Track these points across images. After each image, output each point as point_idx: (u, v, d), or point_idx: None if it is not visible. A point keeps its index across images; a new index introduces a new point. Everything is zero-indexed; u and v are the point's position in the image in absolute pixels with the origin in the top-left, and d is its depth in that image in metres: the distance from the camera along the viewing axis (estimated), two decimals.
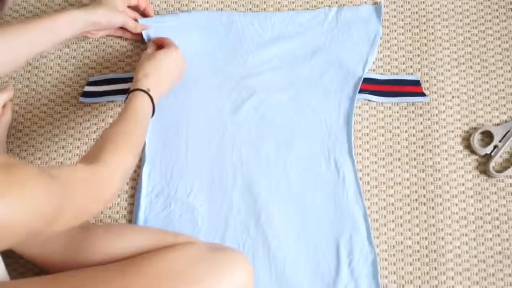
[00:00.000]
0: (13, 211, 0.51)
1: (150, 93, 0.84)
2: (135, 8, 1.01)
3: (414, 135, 0.96)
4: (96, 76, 1.01)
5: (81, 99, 0.99)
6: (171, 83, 0.92)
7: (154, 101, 0.85)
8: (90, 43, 1.04)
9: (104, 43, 1.04)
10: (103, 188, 0.69)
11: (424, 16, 1.04)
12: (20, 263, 0.87)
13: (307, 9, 1.05)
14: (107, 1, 0.94)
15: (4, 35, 0.80)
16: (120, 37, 1.03)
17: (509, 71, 1.00)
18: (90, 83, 1.01)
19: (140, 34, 1.02)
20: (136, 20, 1.01)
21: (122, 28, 1.01)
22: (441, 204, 0.92)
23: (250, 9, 1.05)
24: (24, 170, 0.54)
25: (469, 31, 1.03)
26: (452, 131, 0.97)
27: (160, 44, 0.96)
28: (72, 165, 0.67)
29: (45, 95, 1.01)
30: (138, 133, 0.80)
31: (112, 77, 1.01)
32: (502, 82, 0.99)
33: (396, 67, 1.01)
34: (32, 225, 0.53)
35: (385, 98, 0.98)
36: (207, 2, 1.06)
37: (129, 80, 0.99)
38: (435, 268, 0.89)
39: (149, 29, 1.02)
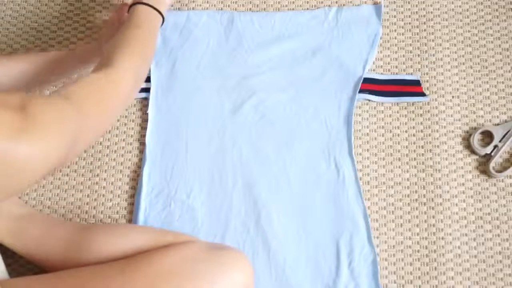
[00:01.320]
0: (33, 150, 0.51)
1: (153, 4, 0.82)
2: None
3: (414, 135, 0.96)
4: None
5: None
6: None
7: (161, 9, 0.83)
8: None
9: None
10: (117, 90, 0.68)
11: (424, 16, 1.04)
12: (20, 263, 0.87)
13: (307, 9, 1.05)
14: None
15: (17, 63, 0.83)
16: None
17: (509, 71, 1.00)
18: None
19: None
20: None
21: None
22: (441, 204, 0.92)
23: (250, 9, 1.05)
24: (39, 108, 0.54)
25: (469, 31, 1.03)
26: (452, 131, 0.97)
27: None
28: (84, 79, 0.65)
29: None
30: (147, 40, 0.79)
31: None
32: (502, 82, 0.99)
33: (396, 67, 1.01)
34: (53, 158, 0.54)
35: (385, 98, 0.98)
36: (207, 2, 1.06)
37: None
38: (435, 268, 0.89)
39: None
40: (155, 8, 0.83)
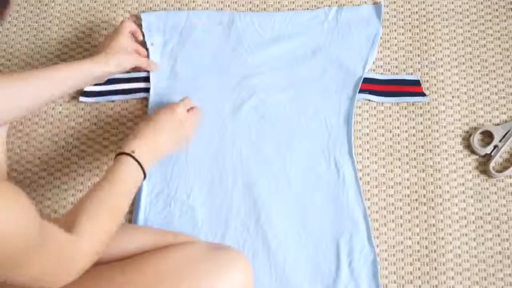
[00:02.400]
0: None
1: (136, 155, 0.78)
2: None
3: (414, 135, 0.96)
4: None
5: (81, 98, 0.99)
6: (169, 143, 0.86)
7: (144, 164, 0.78)
8: (89, 43, 1.04)
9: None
10: (74, 259, 0.65)
11: (424, 16, 1.04)
12: None
13: (307, 9, 1.05)
14: (117, 44, 0.91)
15: (7, 82, 0.78)
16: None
17: (509, 71, 1.00)
18: None
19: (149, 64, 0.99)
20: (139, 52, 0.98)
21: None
22: (441, 204, 0.92)
23: (250, 9, 1.05)
24: (20, 197, 0.53)
25: (469, 31, 1.03)
26: (452, 131, 0.97)
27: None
28: (53, 225, 0.63)
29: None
30: (121, 205, 0.75)
31: (112, 77, 1.00)
32: (502, 82, 0.99)
33: (396, 67, 1.01)
34: (8, 242, 0.51)
35: (385, 98, 0.98)
36: (207, 2, 1.06)
37: (130, 80, 0.99)
38: (435, 268, 0.89)
39: (152, 34, 1.02)
40: (140, 164, 0.78)
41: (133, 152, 0.78)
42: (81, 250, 0.66)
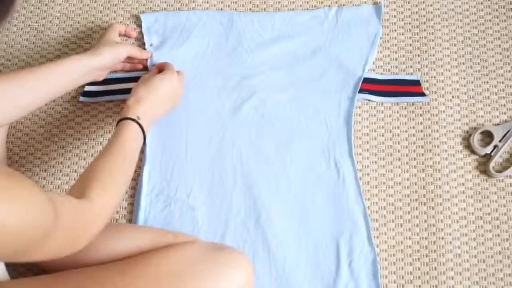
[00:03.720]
0: (8, 216, 0.50)
1: (140, 121, 0.82)
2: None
3: (414, 135, 0.96)
4: None
5: (81, 98, 0.99)
6: (165, 108, 0.90)
7: (145, 128, 0.82)
8: (90, 43, 1.04)
9: None
10: (89, 225, 0.67)
11: (424, 16, 1.04)
12: (20, 263, 0.87)
13: (307, 9, 1.05)
14: (106, 39, 0.94)
15: (2, 83, 0.78)
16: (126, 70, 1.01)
17: (509, 71, 1.00)
18: (91, 83, 1.00)
19: (145, 62, 1.00)
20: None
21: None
22: (441, 204, 0.92)
23: (250, 9, 1.05)
24: (24, 181, 0.54)
25: (469, 31, 1.03)
26: (452, 131, 0.97)
27: (161, 69, 0.93)
28: (63, 195, 0.65)
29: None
30: (126, 168, 0.78)
31: (112, 77, 1.01)
32: (502, 82, 0.99)
33: (396, 67, 1.01)
34: (23, 236, 0.53)
35: (385, 98, 0.98)
36: (207, 2, 1.06)
37: (130, 80, 0.99)
38: (435, 268, 0.89)
39: (151, 34, 1.02)
40: (143, 131, 0.82)
41: (139, 118, 0.82)
42: (94, 214, 0.68)
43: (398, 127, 0.97)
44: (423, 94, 0.98)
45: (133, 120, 0.81)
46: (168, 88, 0.89)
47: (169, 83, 0.89)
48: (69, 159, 0.97)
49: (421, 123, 0.97)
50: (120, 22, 1.05)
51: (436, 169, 0.94)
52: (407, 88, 0.99)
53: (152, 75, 0.91)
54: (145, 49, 1.01)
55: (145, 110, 0.84)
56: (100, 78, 0.94)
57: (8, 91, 0.78)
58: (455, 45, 1.02)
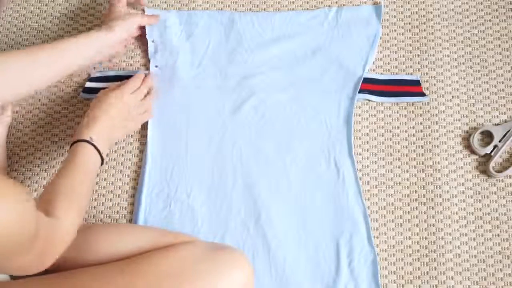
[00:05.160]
0: (5, 215, 0.51)
1: (94, 142, 0.80)
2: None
3: (414, 135, 0.96)
4: (97, 72, 1.01)
5: (82, 94, 1.00)
6: (122, 128, 0.89)
7: (101, 148, 0.81)
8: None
9: None
10: (58, 242, 0.67)
11: (424, 16, 1.04)
12: None
13: (307, 9, 1.05)
14: (115, 12, 0.93)
15: (15, 58, 0.78)
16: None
17: (509, 71, 1.00)
18: (91, 79, 1.01)
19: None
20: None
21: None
22: (441, 204, 0.92)
23: (250, 9, 1.05)
24: (17, 187, 0.55)
25: (469, 31, 1.03)
26: (452, 131, 0.97)
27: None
28: (39, 213, 0.64)
29: (45, 95, 1.01)
30: (87, 187, 0.78)
31: (112, 74, 1.01)
32: (502, 82, 0.99)
33: (396, 67, 1.01)
34: (13, 236, 0.53)
35: (385, 98, 0.98)
36: (207, 2, 1.06)
37: (130, 77, 0.99)
38: (435, 268, 0.89)
39: (152, 31, 1.02)
40: (98, 151, 0.81)
41: (91, 139, 0.81)
42: (62, 231, 0.68)
43: (398, 127, 0.97)
44: (423, 94, 0.98)
45: (86, 141, 0.80)
46: (119, 106, 0.87)
47: (120, 103, 0.87)
48: None
49: (421, 123, 0.97)
50: None
51: (436, 169, 0.94)
52: (407, 88, 0.99)
53: (109, 91, 0.89)
54: (147, 48, 1.01)
55: (99, 131, 0.82)
56: (114, 52, 0.94)
57: (19, 65, 0.78)
58: (455, 45, 1.02)
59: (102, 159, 0.82)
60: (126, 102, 0.89)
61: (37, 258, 0.63)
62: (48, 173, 0.96)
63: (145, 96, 0.94)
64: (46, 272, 0.82)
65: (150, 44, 1.02)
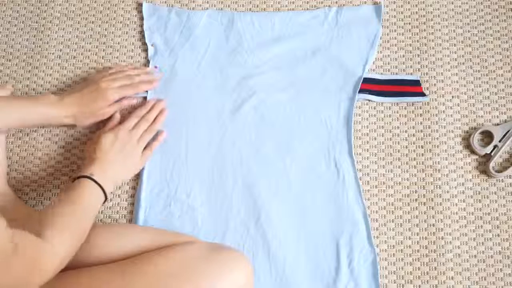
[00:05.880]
0: None
1: (96, 177, 0.81)
2: None
3: (414, 135, 0.96)
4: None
5: None
6: (126, 166, 0.88)
7: (104, 185, 0.81)
8: (90, 43, 1.04)
9: (104, 43, 1.04)
10: (46, 263, 0.66)
11: (424, 16, 1.04)
12: None
13: (307, 9, 1.05)
14: (94, 109, 0.91)
15: None
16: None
17: (509, 71, 1.00)
18: None
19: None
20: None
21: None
22: (441, 204, 0.92)
23: (250, 9, 1.05)
24: None
25: (469, 31, 1.03)
26: (452, 131, 0.97)
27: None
28: (23, 231, 0.64)
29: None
30: (85, 217, 0.77)
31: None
32: (502, 82, 0.99)
33: (396, 67, 1.01)
34: None
35: (385, 98, 0.98)
36: (207, 2, 1.06)
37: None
38: (435, 268, 0.89)
39: (153, 33, 1.02)
40: (100, 186, 0.81)
41: (92, 175, 0.81)
42: (51, 252, 0.67)
43: (398, 127, 0.97)
44: (423, 94, 0.98)
45: (87, 177, 0.80)
46: (116, 146, 0.87)
47: (116, 140, 0.87)
48: (68, 159, 0.97)
49: (421, 123, 0.97)
50: (121, 21, 1.05)
51: (436, 169, 0.94)
52: (407, 88, 0.99)
53: (105, 132, 0.89)
54: (147, 48, 1.01)
55: (100, 168, 0.83)
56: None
57: None
58: (455, 45, 1.02)
59: (106, 196, 0.81)
60: (123, 139, 0.88)
61: (21, 278, 0.63)
62: (48, 173, 0.96)
63: (149, 127, 0.93)
64: None
65: (149, 48, 1.02)
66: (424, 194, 0.93)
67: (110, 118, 0.93)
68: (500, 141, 0.95)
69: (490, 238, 0.91)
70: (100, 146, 0.86)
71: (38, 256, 0.65)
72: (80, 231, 0.74)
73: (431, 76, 1.00)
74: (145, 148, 0.91)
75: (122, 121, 0.92)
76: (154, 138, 0.94)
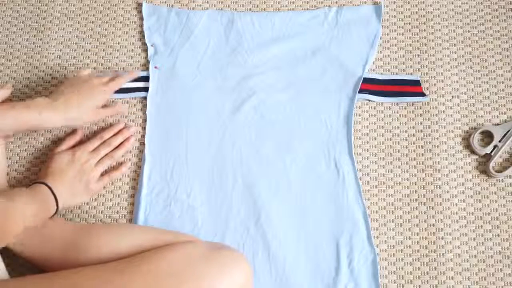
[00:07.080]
0: None
1: (52, 188, 0.82)
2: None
3: (414, 135, 0.96)
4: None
5: None
6: (80, 191, 0.88)
7: (58, 198, 0.83)
8: (90, 43, 1.04)
9: (104, 43, 1.04)
10: (10, 223, 0.68)
11: (424, 16, 1.04)
12: (19, 263, 0.86)
13: (307, 9, 1.05)
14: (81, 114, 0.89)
15: None
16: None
17: (509, 71, 1.00)
18: None
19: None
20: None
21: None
22: (441, 204, 0.92)
23: (250, 9, 1.05)
24: None
25: (469, 31, 1.03)
26: (452, 131, 0.97)
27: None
28: None
29: (45, 95, 1.01)
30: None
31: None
32: (502, 82, 0.99)
33: (396, 67, 1.01)
34: None
35: (385, 98, 0.98)
36: (207, 2, 1.06)
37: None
38: (435, 268, 0.89)
39: (152, 33, 1.02)
40: (55, 198, 0.82)
41: (50, 185, 0.83)
42: (15, 212, 0.72)
43: (398, 127, 0.97)
44: (423, 94, 0.98)
45: (45, 184, 0.82)
46: (72, 174, 0.87)
47: (72, 165, 0.88)
48: None
49: (421, 123, 0.97)
50: (121, 21, 1.05)
51: (436, 169, 0.94)
52: (407, 88, 0.99)
53: (62, 152, 0.89)
54: (147, 48, 1.02)
55: (53, 183, 0.84)
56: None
57: None
58: (455, 45, 1.02)
59: (57, 207, 0.82)
60: (79, 160, 0.88)
61: None
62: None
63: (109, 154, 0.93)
64: (45, 272, 0.83)
65: (149, 48, 1.02)
66: (424, 194, 0.93)
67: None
68: (500, 141, 0.95)
69: (490, 238, 0.91)
70: (55, 164, 0.87)
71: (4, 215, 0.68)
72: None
73: (431, 76, 1.00)
74: (105, 174, 0.92)
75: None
76: (116, 168, 0.94)
